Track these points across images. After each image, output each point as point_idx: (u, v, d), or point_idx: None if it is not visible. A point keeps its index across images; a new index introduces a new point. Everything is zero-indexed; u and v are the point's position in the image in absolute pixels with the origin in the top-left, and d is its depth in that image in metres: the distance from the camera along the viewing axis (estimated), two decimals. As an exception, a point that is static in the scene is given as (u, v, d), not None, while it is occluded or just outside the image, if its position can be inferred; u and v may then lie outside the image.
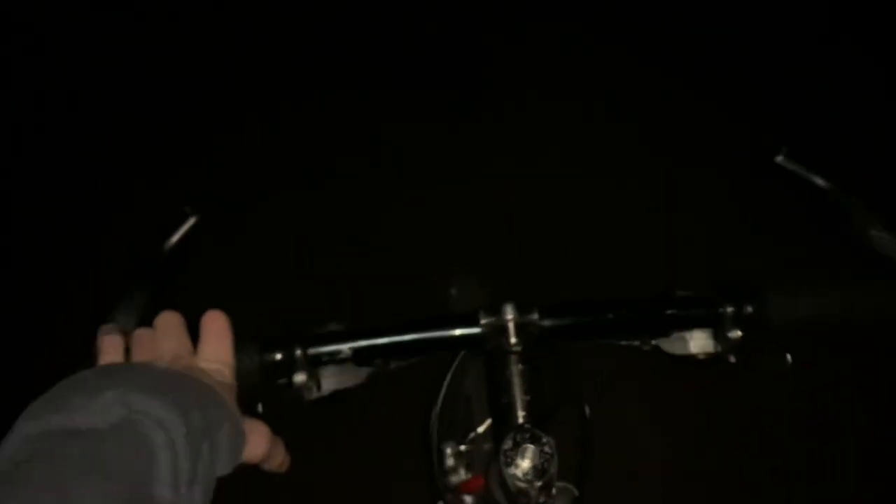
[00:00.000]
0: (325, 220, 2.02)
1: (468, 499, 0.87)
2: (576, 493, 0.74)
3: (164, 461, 0.43)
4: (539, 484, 0.60)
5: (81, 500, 0.40)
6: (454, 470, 0.91)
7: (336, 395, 0.68)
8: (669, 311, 0.67)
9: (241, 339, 0.64)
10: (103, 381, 0.47)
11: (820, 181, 0.70)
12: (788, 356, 0.66)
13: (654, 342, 0.70)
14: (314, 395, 0.67)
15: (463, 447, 0.92)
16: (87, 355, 0.63)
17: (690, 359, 0.69)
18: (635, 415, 1.69)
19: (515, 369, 0.64)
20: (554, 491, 0.63)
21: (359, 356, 0.66)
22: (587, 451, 0.71)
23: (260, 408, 0.65)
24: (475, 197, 2.01)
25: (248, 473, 0.55)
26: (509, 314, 0.64)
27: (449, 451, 0.90)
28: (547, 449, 0.61)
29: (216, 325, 0.58)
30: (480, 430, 0.94)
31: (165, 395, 0.46)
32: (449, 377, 0.73)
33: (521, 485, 0.61)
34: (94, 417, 0.44)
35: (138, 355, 0.55)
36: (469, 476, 0.90)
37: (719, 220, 1.95)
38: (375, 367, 0.70)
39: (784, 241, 1.84)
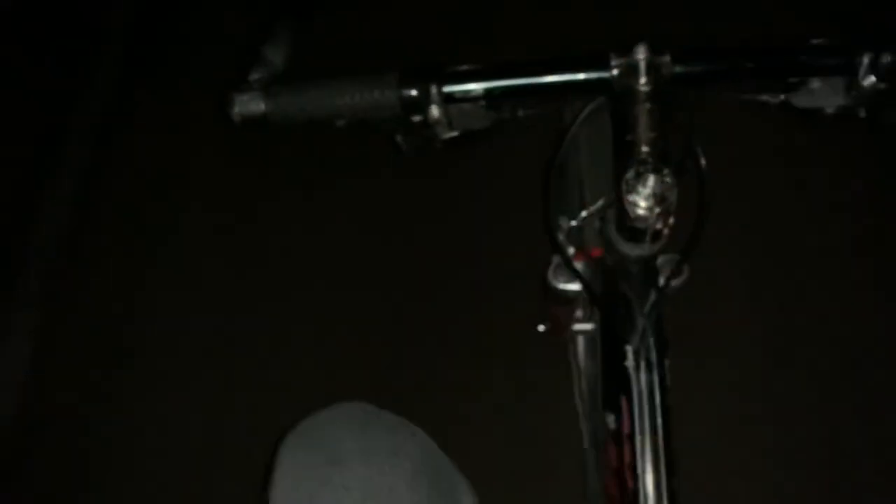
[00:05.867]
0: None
1: (580, 265, 0.91)
2: (681, 263, 0.77)
3: None
4: (658, 210, 0.64)
5: None
6: (565, 244, 0.96)
7: (467, 135, 0.72)
8: (803, 58, 0.67)
9: (380, 72, 0.68)
10: None
11: None
12: None
13: (783, 96, 0.70)
14: (447, 133, 0.72)
15: (574, 223, 0.96)
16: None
17: (819, 113, 0.69)
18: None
19: (643, 108, 0.66)
20: (671, 220, 0.66)
21: (489, 97, 0.70)
22: (700, 220, 0.73)
23: (399, 139, 0.71)
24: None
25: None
26: (641, 54, 0.66)
27: (562, 225, 0.94)
28: (667, 179, 0.64)
29: None
30: (593, 208, 0.98)
31: None
32: (571, 131, 0.76)
33: (641, 211, 0.64)
34: None
35: None
36: (581, 248, 0.95)
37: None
38: (504, 113, 0.73)
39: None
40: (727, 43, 0.68)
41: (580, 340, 1.22)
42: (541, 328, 1.30)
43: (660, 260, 0.77)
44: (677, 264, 0.76)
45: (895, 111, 0.67)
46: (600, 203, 0.93)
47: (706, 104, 0.70)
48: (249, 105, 0.68)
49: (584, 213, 0.98)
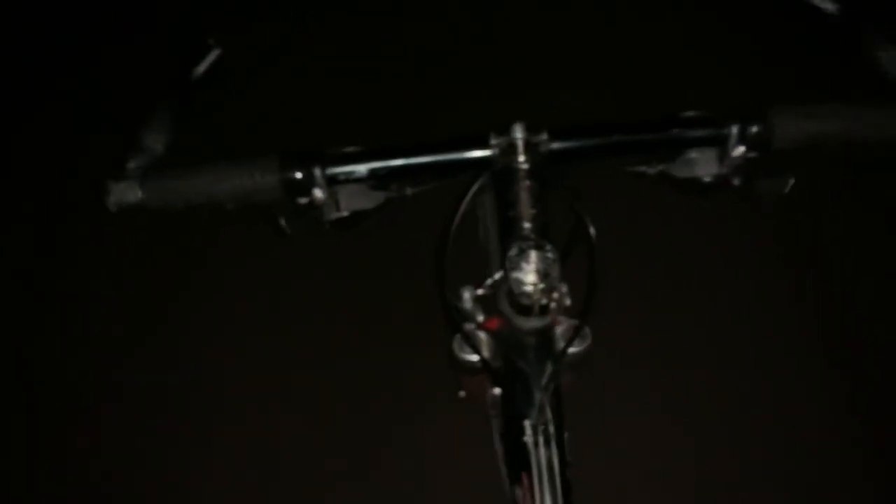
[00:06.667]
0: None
1: (483, 335, 0.91)
2: (581, 327, 0.77)
3: None
4: (542, 286, 0.64)
5: None
6: (472, 313, 0.95)
7: (355, 216, 0.72)
8: (676, 131, 0.68)
9: (262, 156, 0.68)
10: None
11: (830, 6, 0.70)
12: (791, 178, 0.68)
13: (660, 166, 0.72)
14: (334, 214, 0.71)
15: (480, 291, 0.96)
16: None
17: (695, 182, 0.71)
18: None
19: (523, 185, 0.67)
20: (556, 294, 0.66)
21: (374, 177, 0.70)
22: (592, 286, 0.73)
23: (283, 222, 0.70)
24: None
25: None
26: (518, 133, 0.67)
27: (467, 295, 0.94)
28: (549, 254, 0.64)
29: None
30: (490, 280, 0.98)
31: None
32: (460, 211, 0.76)
33: (527, 287, 0.65)
34: None
35: None
36: (485, 318, 0.95)
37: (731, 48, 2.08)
38: (392, 191, 0.73)
39: (794, 66, 1.96)
40: (603, 118, 0.70)
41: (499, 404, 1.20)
42: (461, 394, 1.29)
43: (559, 328, 0.77)
44: (575, 331, 0.76)
45: (767, 180, 0.69)
46: (497, 275, 0.94)
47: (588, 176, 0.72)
48: (126, 193, 0.67)
49: (487, 283, 0.98)
